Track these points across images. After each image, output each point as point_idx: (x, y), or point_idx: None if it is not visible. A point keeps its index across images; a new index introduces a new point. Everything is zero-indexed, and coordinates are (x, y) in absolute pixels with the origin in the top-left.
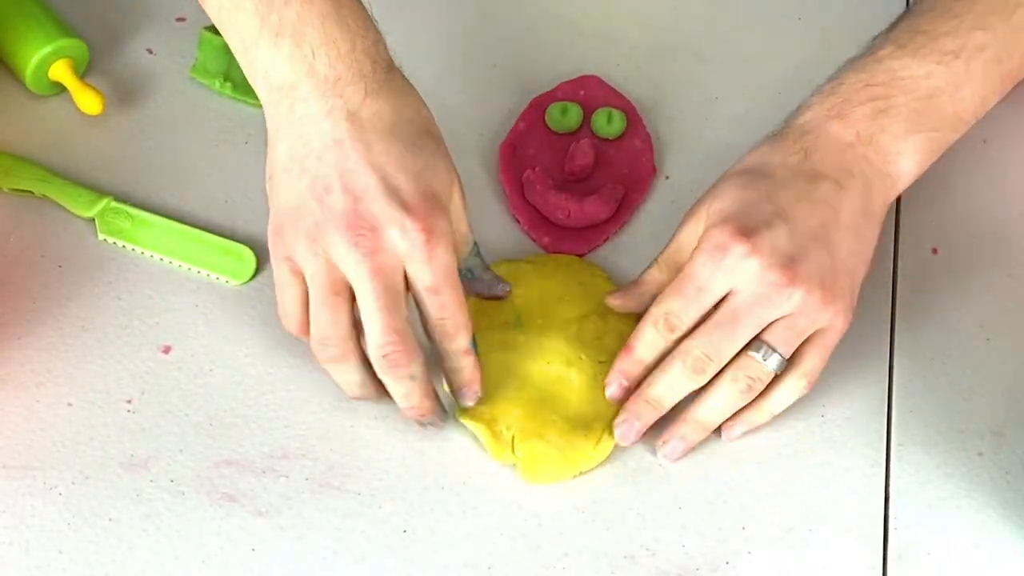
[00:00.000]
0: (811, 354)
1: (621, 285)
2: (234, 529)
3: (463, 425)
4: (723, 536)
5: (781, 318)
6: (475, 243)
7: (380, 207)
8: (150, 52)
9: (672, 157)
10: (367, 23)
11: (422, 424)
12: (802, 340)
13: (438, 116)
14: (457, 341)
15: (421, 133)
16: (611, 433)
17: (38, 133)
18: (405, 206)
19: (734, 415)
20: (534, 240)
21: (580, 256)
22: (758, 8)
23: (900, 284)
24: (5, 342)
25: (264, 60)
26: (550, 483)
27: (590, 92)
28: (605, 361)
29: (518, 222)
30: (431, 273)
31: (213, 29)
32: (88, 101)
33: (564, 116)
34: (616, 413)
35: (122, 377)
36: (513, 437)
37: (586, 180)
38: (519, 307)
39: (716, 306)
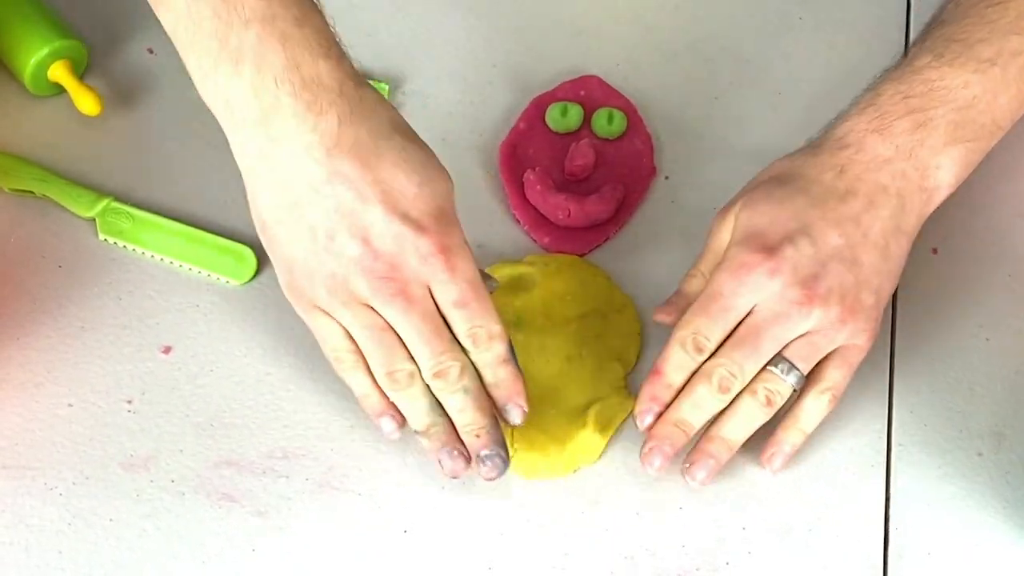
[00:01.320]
0: (832, 369)
1: (622, 284)
2: (234, 529)
3: None
4: (723, 536)
5: (802, 335)
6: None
7: (392, 241)
8: (150, 52)
9: (672, 157)
10: (330, 40)
11: (482, 461)
12: (821, 356)
13: (438, 116)
14: (493, 348)
15: (405, 145)
16: (604, 414)
17: (38, 133)
18: (417, 227)
19: (768, 441)
20: (534, 240)
21: (580, 256)
22: (758, 8)
23: (900, 284)
24: (5, 342)
25: (224, 88)
26: (546, 478)
27: (590, 92)
28: (606, 358)
29: (518, 222)
30: (456, 289)
31: None
32: (86, 102)
33: (564, 116)
34: (615, 401)
35: (122, 377)
36: (512, 431)
37: (586, 180)
38: (519, 307)
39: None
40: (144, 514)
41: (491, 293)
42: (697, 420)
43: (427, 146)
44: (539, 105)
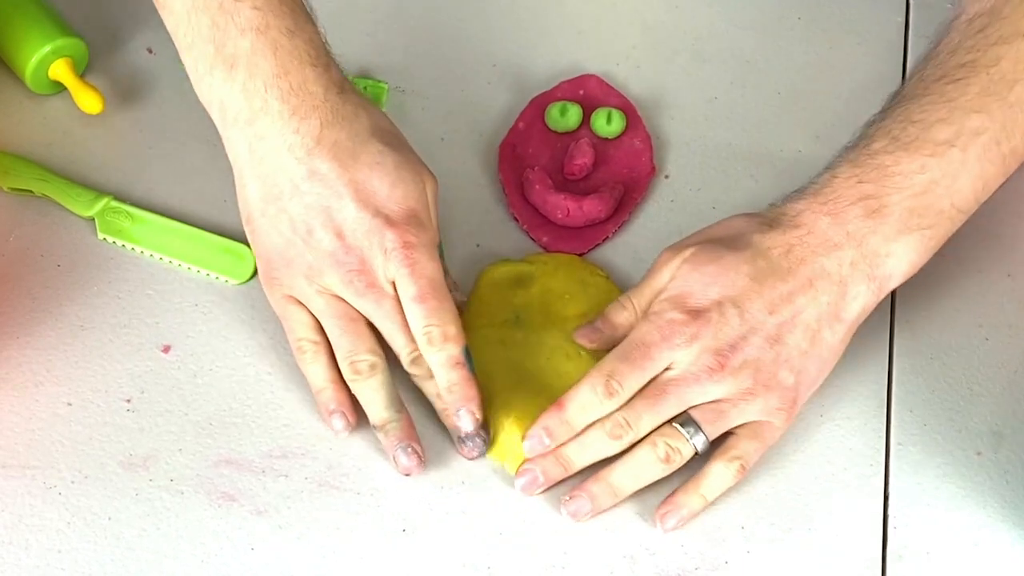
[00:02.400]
0: (744, 441)
1: (621, 284)
2: (234, 529)
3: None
4: (723, 536)
5: (712, 401)
6: (440, 244)
7: (363, 233)
8: (150, 52)
9: (672, 157)
10: (319, 50)
11: (463, 442)
12: (729, 426)
13: (438, 116)
14: (446, 349)
15: (382, 149)
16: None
17: (38, 133)
18: (386, 222)
19: (666, 500)
20: (533, 240)
21: (579, 255)
22: (758, 8)
23: (900, 284)
24: (5, 342)
25: (219, 90)
26: None
27: (590, 92)
28: (604, 355)
29: (517, 222)
30: (414, 284)
31: None
32: (88, 100)
33: (564, 116)
34: None
35: (122, 377)
36: (511, 427)
37: (585, 180)
38: (518, 306)
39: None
40: (143, 513)
41: (457, 304)
42: (580, 460)
43: (408, 150)
44: (538, 105)
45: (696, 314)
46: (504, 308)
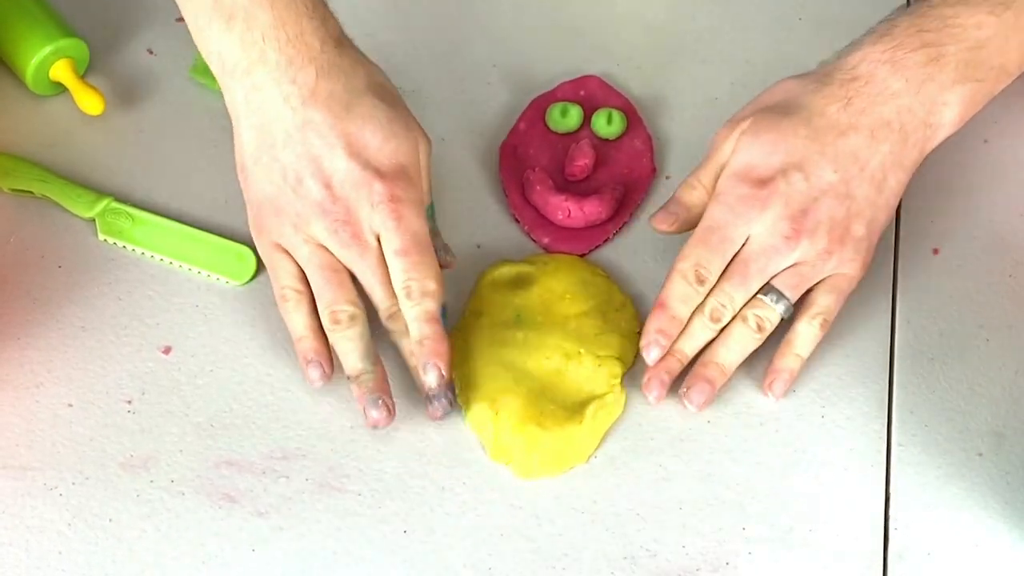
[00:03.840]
0: (822, 296)
1: (622, 284)
2: (234, 529)
3: (464, 426)
4: (723, 536)
5: (790, 266)
6: (431, 206)
7: (351, 184)
8: (150, 52)
9: (672, 157)
10: (316, 2)
11: (430, 401)
12: (809, 286)
13: (438, 116)
14: (423, 303)
15: (376, 103)
16: (602, 410)
17: (38, 133)
18: (372, 178)
19: (768, 371)
20: (534, 240)
21: (580, 256)
22: (758, 8)
23: (900, 284)
24: (5, 342)
25: (217, 42)
26: (543, 477)
27: (590, 92)
28: (604, 356)
29: (518, 222)
30: (398, 238)
31: None
32: (89, 101)
33: (564, 116)
34: (612, 399)
35: (122, 377)
36: (511, 426)
37: (586, 180)
38: (519, 306)
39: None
40: (144, 514)
41: (448, 268)
42: (690, 349)
43: (403, 107)
44: (539, 105)
45: (762, 184)
46: (505, 308)
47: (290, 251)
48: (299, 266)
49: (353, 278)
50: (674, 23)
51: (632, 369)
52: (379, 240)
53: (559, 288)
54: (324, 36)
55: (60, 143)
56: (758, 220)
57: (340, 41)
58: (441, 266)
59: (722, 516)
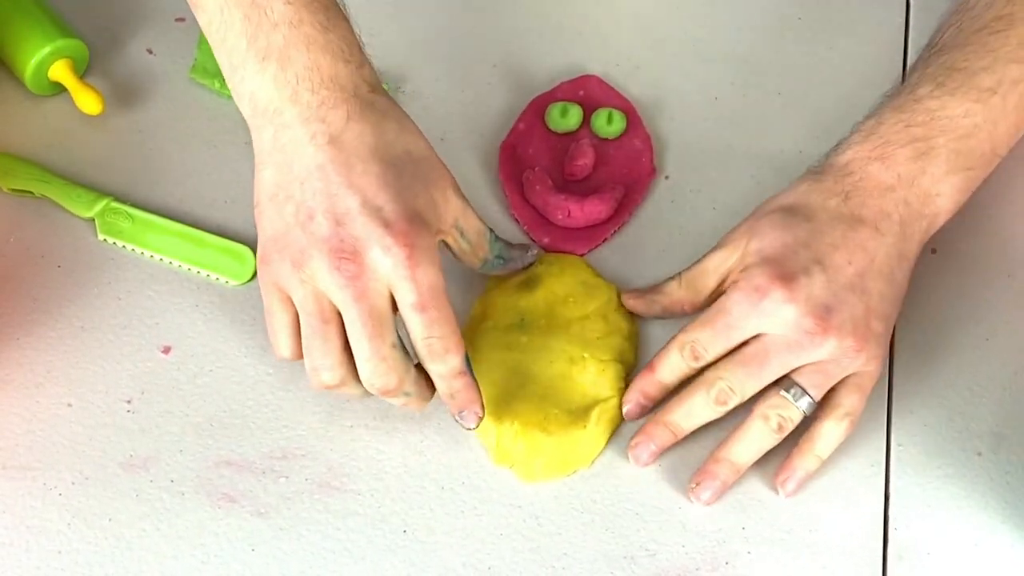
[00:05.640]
0: (848, 395)
1: (621, 284)
2: (234, 529)
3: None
4: (723, 536)
5: (812, 363)
6: (491, 230)
7: (361, 228)
8: (150, 52)
9: (672, 157)
10: (353, 47)
11: (459, 419)
12: (832, 384)
13: (438, 116)
14: (448, 362)
15: (403, 153)
16: (605, 415)
17: (38, 133)
18: (386, 224)
19: (783, 467)
20: (534, 240)
21: (580, 256)
22: (758, 8)
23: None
24: (5, 342)
25: (250, 82)
26: (546, 480)
27: (590, 92)
28: (607, 359)
29: (518, 222)
30: (415, 290)
31: None
32: (88, 101)
33: (564, 116)
34: (616, 402)
35: (122, 377)
36: (514, 432)
37: (586, 180)
38: (523, 308)
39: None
40: (144, 514)
41: (528, 265)
42: (688, 425)
43: (431, 155)
44: (538, 105)
45: (785, 280)
46: (509, 312)
47: (288, 291)
48: (295, 317)
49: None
50: (674, 23)
51: (633, 372)
52: (385, 291)
53: (562, 291)
54: (359, 81)
55: (60, 143)
56: (776, 315)
57: (375, 87)
58: (528, 266)
59: (722, 516)
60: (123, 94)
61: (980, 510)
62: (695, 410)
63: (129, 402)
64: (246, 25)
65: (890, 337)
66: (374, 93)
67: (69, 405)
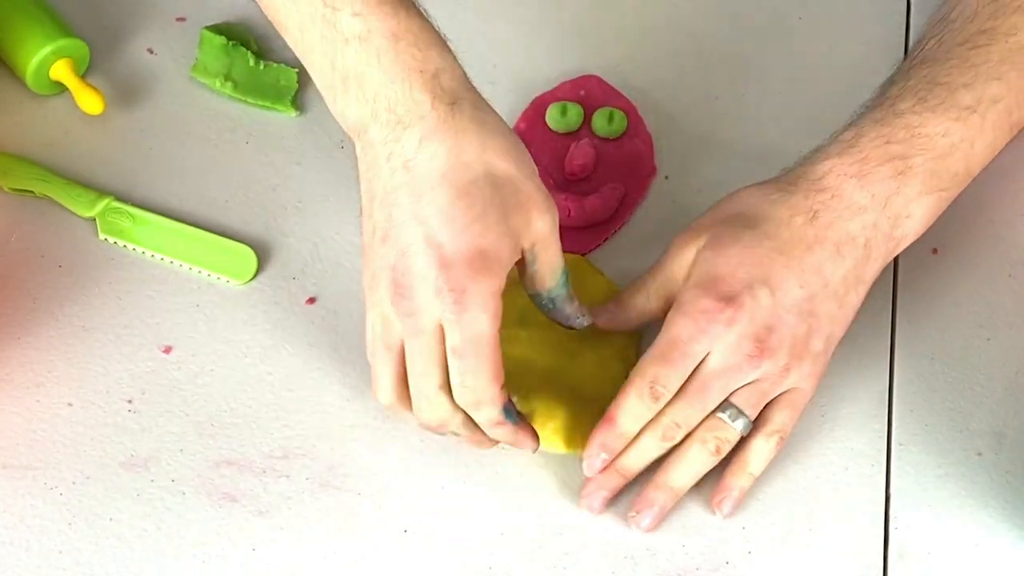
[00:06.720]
0: (778, 413)
1: (621, 284)
2: (234, 529)
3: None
4: (723, 536)
5: (749, 383)
6: (565, 272)
7: (419, 265)
8: (150, 52)
9: (672, 157)
10: (428, 51)
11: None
12: (767, 402)
13: None
14: (483, 411)
15: (481, 175)
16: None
17: (38, 133)
18: (443, 264)
19: (718, 487)
20: None
21: (581, 256)
22: (758, 8)
23: (900, 284)
24: (5, 342)
25: (339, 103)
26: (551, 449)
27: (590, 92)
28: (608, 355)
29: None
30: (457, 335)
31: (214, 29)
32: (89, 101)
33: (564, 116)
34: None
35: (122, 377)
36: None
37: (586, 180)
38: (523, 305)
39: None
40: (144, 514)
41: (579, 328)
42: (638, 466)
43: (516, 174)
44: (539, 105)
45: (727, 300)
46: (510, 307)
47: (367, 305)
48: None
49: None
50: (674, 23)
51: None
52: (438, 331)
53: None
54: (435, 90)
55: (60, 143)
56: (722, 337)
57: (456, 96)
58: (573, 328)
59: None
60: (124, 94)
61: (980, 510)
62: (644, 451)
63: (130, 402)
64: (324, 45)
65: (830, 355)
66: (454, 104)
67: (70, 404)
